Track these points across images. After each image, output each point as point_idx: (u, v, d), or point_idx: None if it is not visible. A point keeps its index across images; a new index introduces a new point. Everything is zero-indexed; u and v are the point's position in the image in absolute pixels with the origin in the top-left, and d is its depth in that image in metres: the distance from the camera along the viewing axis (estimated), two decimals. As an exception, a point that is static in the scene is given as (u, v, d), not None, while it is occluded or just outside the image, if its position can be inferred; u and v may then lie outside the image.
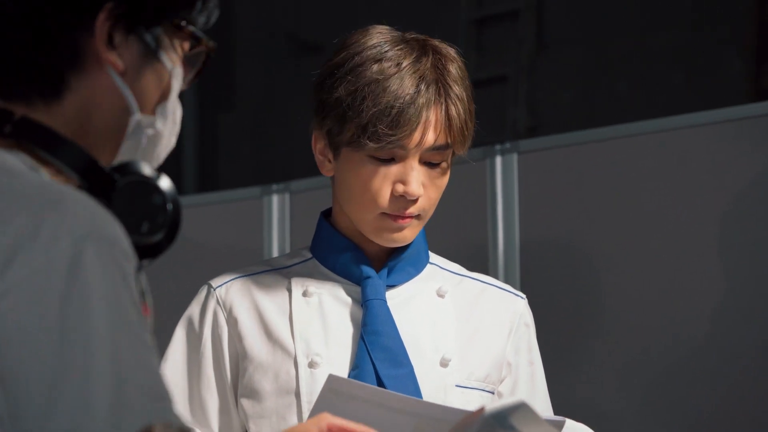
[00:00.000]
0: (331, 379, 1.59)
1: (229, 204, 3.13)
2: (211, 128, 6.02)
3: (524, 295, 1.97)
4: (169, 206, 1.16)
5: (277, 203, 3.04)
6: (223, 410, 1.85)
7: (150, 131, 1.21)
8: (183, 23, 1.21)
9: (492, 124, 5.53)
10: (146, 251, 1.15)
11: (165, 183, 1.17)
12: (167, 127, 1.23)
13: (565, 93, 5.57)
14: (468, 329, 1.88)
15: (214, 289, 1.87)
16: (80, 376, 0.97)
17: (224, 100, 6.04)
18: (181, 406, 1.85)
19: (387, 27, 1.85)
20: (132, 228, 1.14)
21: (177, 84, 1.23)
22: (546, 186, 2.75)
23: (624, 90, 5.31)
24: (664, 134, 2.64)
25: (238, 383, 1.84)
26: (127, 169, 1.16)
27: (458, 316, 1.89)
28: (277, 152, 5.47)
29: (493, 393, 1.88)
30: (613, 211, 2.67)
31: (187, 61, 1.24)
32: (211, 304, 1.86)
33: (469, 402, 1.83)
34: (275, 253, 3.00)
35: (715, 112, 2.62)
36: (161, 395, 1.01)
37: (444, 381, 1.82)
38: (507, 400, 1.45)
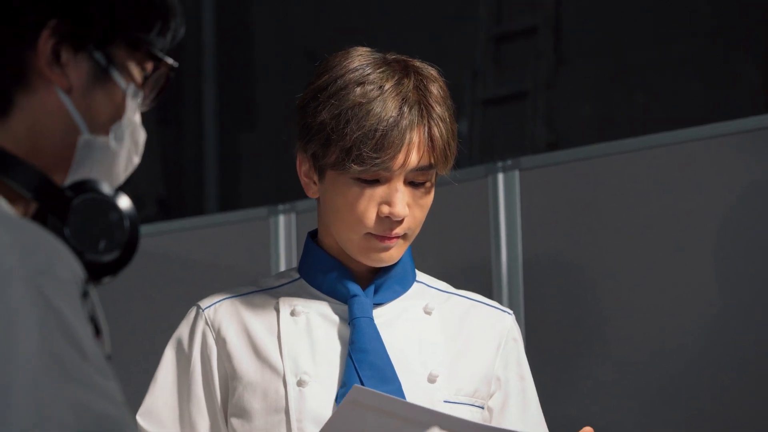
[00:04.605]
0: (356, 390, 1.60)
1: (235, 225, 3.15)
2: (230, 148, 6.05)
3: (511, 311, 1.98)
4: (126, 223, 1.15)
5: (283, 223, 3.07)
6: (214, 430, 1.86)
7: (102, 151, 1.19)
8: (139, 43, 1.20)
9: (512, 139, 5.54)
10: (105, 269, 1.15)
11: (122, 200, 1.16)
12: (124, 147, 1.21)
13: (585, 107, 5.57)
14: (456, 345, 1.90)
15: (203, 310, 1.89)
16: None
17: (245, 120, 6.07)
18: (170, 427, 1.87)
19: (368, 49, 1.87)
20: (89, 246, 1.13)
21: (133, 104, 1.21)
22: (548, 202, 2.75)
23: (643, 102, 5.30)
24: (670, 147, 2.64)
25: (227, 403, 1.86)
26: (83, 187, 1.15)
27: (446, 332, 1.90)
28: (285, 172, 5.50)
29: (483, 408, 1.89)
30: (616, 227, 2.67)
31: (149, 81, 1.22)
32: (200, 325, 1.88)
33: None
34: (284, 273, 3.02)
35: (731, 123, 2.60)
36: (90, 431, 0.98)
37: (432, 397, 1.84)
38: None
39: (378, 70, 1.82)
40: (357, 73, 1.81)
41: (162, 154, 6.06)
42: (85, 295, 1.05)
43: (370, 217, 1.81)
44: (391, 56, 1.86)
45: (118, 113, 1.20)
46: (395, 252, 1.85)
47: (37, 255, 1.02)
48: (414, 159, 1.80)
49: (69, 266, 1.04)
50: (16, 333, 0.98)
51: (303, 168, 1.88)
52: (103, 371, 1.02)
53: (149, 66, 1.22)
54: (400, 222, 1.82)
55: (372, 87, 1.80)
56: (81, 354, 1.00)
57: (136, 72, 1.21)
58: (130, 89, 1.20)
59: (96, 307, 1.08)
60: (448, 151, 1.83)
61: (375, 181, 1.81)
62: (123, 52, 1.20)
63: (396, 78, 1.81)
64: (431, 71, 1.86)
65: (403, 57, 1.87)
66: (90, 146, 1.18)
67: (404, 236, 1.84)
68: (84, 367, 1.00)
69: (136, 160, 1.25)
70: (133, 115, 1.22)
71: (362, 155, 1.77)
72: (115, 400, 1.02)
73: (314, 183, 1.87)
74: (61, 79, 1.16)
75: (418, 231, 1.87)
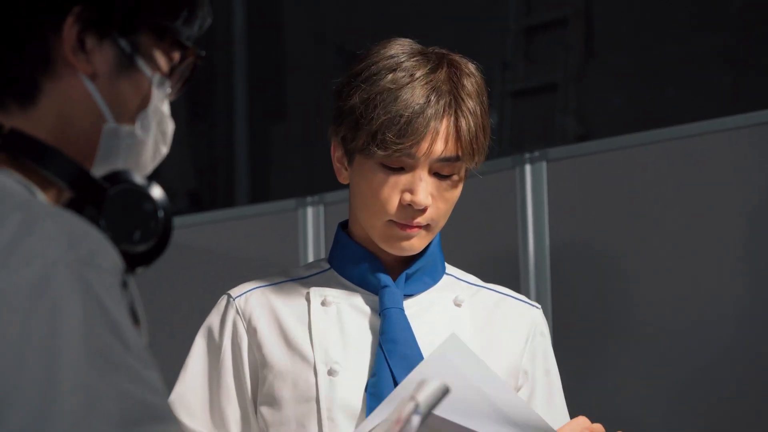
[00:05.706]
0: (452, 338, 1.67)
1: (265, 217, 3.17)
2: (259, 140, 6.08)
3: (539, 306, 1.98)
4: (160, 213, 1.15)
5: (312, 215, 3.08)
6: (243, 419, 1.87)
7: (128, 140, 1.19)
8: (165, 32, 1.19)
9: (541, 131, 5.54)
10: (139, 259, 1.15)
11: (155, 190, 1.16)
12: (150, 137, 1.21)
13: (615, 99, 5.56)
14: (485, 338, 1.90)
15: (234, 299, 1.90)
16: (37, 404, 0.96)
17: (274, 113, 6.10)
18: (200, 415, 1.89)
19: (409, 40, 1.86)
20: (124, 236, 1.14)
21: (159, 93, 1.21)
22: (575, 193, 2.76)
23: (672, 95, 5.29)
24: (699, 138, 2.64)
25: (257, 392, 1.87)
26: (118, 178, 1.15)
27: (475, 325, 1.90)
28: (314, 164, 5.51)
29: None
30: (643, 218, 2.68)
31: (176, 71, 1.22)
32: (231, 314, 1.89)
33: None
34: (312, 265, 3.04)
35: (760, 113, 2.59)
36: (135, 420, 0.99)
37: None
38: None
39: (413, 59, 1.82)
40: (391, 61, 1.81)
41: (192, 147, 6.10)
42: (124, 285, 1.06)
43: (393, 204, 1.81)
44: (432, 49, 1.86)
45: (144, 102, 1.20)
46: (417, 242, 1.84)
47: (81, 245, 1.03)
48: (438, 148, 1.80)
49: (110, 256, 1.05)
50: (61, 323, 0.99)
51: (336, 153, 1.89)
52: (144, 360, 1.03)
53: (176, 55, 1.22)
54: (422, 211, 1.81)
55: (403, 74, 1.80)
56: (123, 344, 1.02)
57: (162, 61, 1.21)
58: (156, 78, 1.20)
59: (135, 297, 1.09)
60: (475, 144, 1.82)
61: (400, 169, 1.81)
62: (149, 40, 1.19)
63: (429, 67, 1.81)
64: (469, 66, 1.85)
65: (444, 50, 1.87)
66: (115, 135, 1.18)
67: (427, 227, 1.84)
68: (126, 356, 1.01)
69: (164, 150, 1.24)
70: (160, 105, 1.22)
71: (386, 140, 1.78)
72: (157, 388, 1.03)
73: (345, 169, 1.88)
74: (85, 66, 1.16)
75: (442, 223, 1.87)
